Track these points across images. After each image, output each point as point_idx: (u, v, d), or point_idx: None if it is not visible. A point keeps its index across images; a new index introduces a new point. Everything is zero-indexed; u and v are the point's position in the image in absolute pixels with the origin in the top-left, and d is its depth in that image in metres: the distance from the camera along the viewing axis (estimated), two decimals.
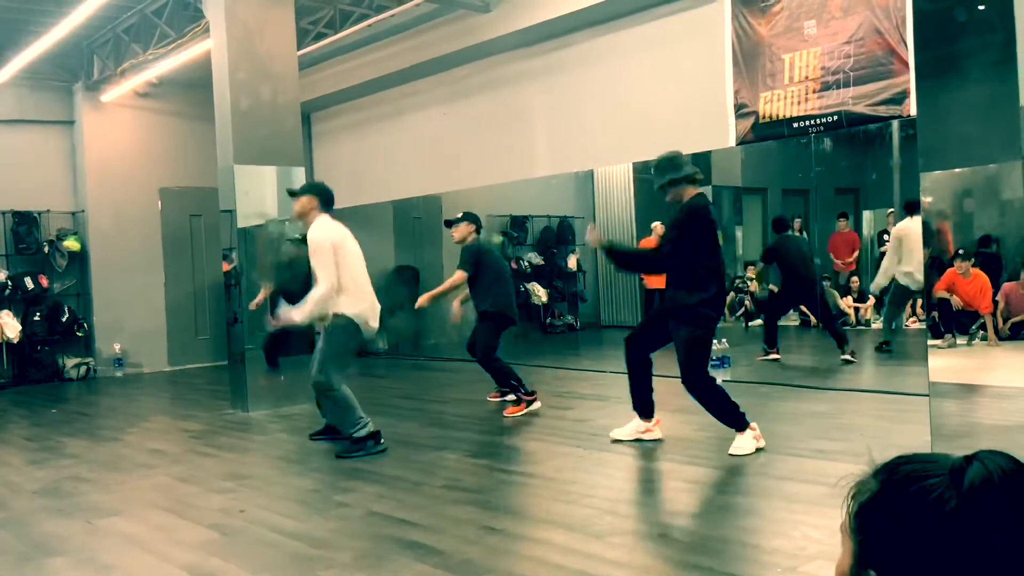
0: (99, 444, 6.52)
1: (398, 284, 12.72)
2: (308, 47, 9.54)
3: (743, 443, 5.02)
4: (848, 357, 8.37)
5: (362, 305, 5.67)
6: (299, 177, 7.86)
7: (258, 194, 7.62)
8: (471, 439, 6.01)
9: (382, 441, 5.61)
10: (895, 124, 8.30)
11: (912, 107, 5.90)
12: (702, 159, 11.65)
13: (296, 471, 5.51)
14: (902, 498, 0.93)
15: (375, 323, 5.79)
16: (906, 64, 5.94)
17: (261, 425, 6.90)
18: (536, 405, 6.83)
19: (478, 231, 7.05)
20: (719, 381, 7.56)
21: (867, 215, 14.49)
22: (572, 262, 13.82)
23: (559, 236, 13.96)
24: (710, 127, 7.42)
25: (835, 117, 6.48)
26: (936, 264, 5.05)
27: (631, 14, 8.07)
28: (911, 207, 8.24)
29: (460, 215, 7.08)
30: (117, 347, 11.02)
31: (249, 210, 7.55)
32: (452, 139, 10.26)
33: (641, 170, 13.17)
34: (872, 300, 11.60)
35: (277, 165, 7.70)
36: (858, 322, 11.63)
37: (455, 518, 4.08)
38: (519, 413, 6.73)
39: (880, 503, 0.95)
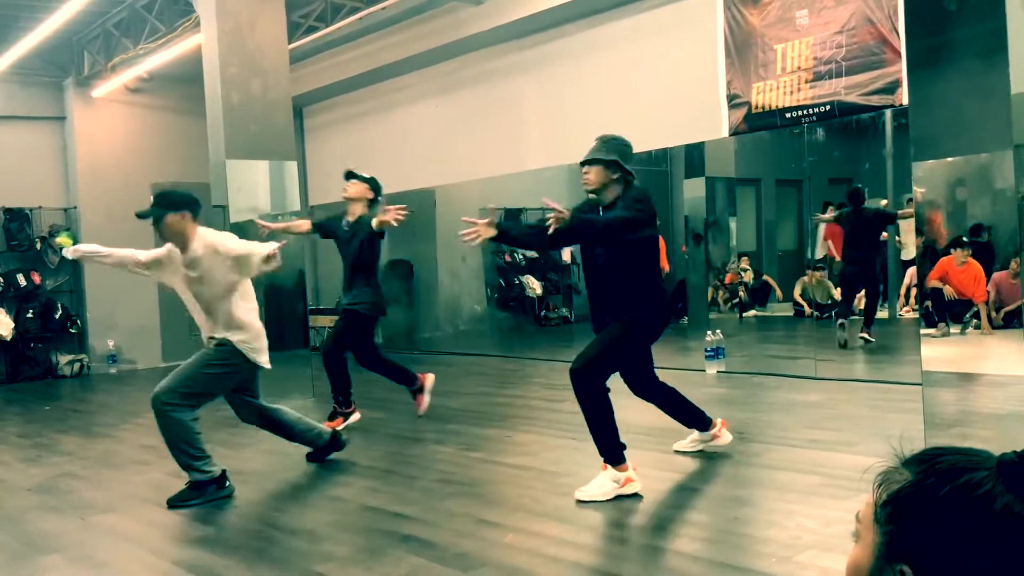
0: (93, 441, 6.50)
1: (392, 278, 12.71)
2: (299, 41, 9.51)
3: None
4: (867, 336, 8.82)
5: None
6: (291, 172, 7.84)
7: (250, 189, 7.59)
8: (465, 432, 6.01)
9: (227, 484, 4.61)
10: (888, 113, 8.28)
11: (905, 96, 5.90)
12: (695, 150, 11.65)
13: (290, 466, 5.50)
14: (945, 492, 0.89)
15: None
16: (898, 53, 5.94)
17: None
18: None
19: (372, 204, 6.37)
20: (713, 372, 7.60)
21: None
22: (566, 254, 13.79)
23: None
24: (703, 118, 7.42)
25: (828, 107, 6.48)
26: (929, 253, 5.06)
27: (623, 5, 8.06)
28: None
29: (367, 175, 6.48)
30: (111, 344, 10.99)
31: (242, 205, 7.52)
32: (444, 132, 10.23)
33: (636, 161, 13.14)
34: (864, 291, 11.59)
35: (269, 160, 7.67)
36: (852, 312, 11.62)
37: (449, 511, 4.08)
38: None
39: (920, 494, 0.91)
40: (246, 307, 4.61)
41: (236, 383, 4.68)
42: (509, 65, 9.23)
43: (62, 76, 10.87)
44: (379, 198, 6.40)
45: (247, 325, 4.58)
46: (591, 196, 4.32)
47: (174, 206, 4.51)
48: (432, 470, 4.93)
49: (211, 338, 4.60)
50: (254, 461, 5.58)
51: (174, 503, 4.40)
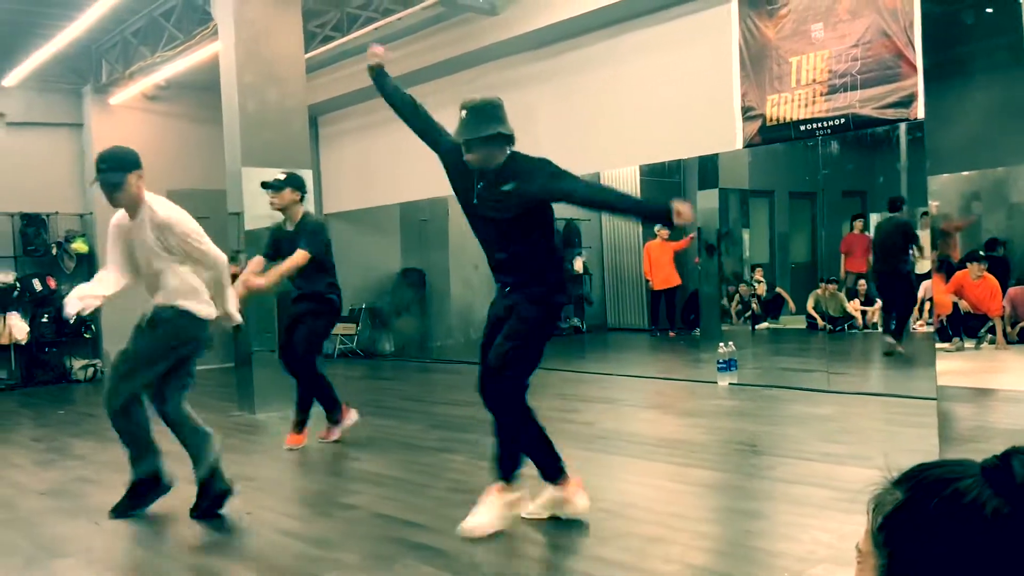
0: (106, 446, 6.52)
1: (404, 287, 12.74)
2: (315, 50, 9.56)
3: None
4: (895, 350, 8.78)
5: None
6: (306, 180, 7.86)
7: (266, 196, 7.62)
8: (477, 441, 5.99)
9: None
10: (903, 127, 8.28)
11: (920, 110, 5.89)
12: (709, 162, 11.65)
13: (302, 473, 5.52)
14: (935, 504, 0.89)
15: None
16: (914, 67, 5.93)
17: (267, 427, 6.90)
18: (352, 419, 6.06)
19: (303, 200, 6.01)
20: (725, 384, 7.59)
21: (874, 218, 14.47)
22: (578, 264, 13.81)
23: (565, 238, 13.94)
24: (717, 130, 7.41)
25: (842, 120, 6.47)
26: (944, 267, 5.04)
27: (638, 17, 8.07)
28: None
29: (283, 177, 5.98)
30: None
31: (257, 212, 7.54)
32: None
33: (648, 172, 13.16)
34: (879, 304, 11.57)
35: (284, 168, 7.69)
36: (865, 325, 11.59)
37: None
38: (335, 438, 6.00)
39: (909, 512, 0.91)
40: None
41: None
42: (524, 76, 9.25)
43: (80, 83, 10.96)
44: (304, 191, 6.03)
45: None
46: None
47: (132, 165, 4.12)
48: (443, 479, 4.93)
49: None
50: (265, 467, 5.59)
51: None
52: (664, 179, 13.59)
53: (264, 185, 6.06)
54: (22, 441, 7.02)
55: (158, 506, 4.60)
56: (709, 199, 12.05)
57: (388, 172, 11.23)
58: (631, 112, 8.30)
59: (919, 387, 6.56)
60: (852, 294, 11.98)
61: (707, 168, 11.87)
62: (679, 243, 12.35)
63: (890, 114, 6.21)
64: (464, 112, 3.81)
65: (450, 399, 8.22)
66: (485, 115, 3.79)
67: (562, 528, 3.85)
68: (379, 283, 12.61)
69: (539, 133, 9.27)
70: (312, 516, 4.39)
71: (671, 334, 12.54)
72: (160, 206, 4.22)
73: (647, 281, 12.78)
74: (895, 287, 9.18)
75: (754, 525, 3.92)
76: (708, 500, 4.46)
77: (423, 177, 10.62)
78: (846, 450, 5.04)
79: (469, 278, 12.24)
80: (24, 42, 9.52)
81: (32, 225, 10.64)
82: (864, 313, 11.57)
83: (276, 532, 4.08)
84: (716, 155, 9.83)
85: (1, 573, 3.66)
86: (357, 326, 12.17)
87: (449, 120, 4.00)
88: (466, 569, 3.38)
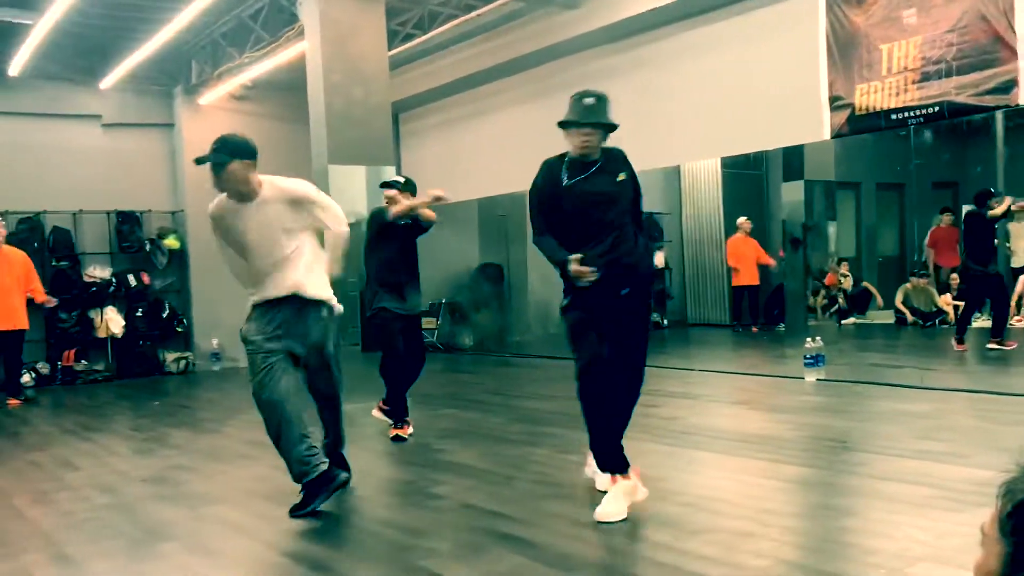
0: (201, 435, 6.76)
1: (483, 281, 12.83)
2: (397, 48, 9.69)
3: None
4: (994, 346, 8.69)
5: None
6: (390, 176, 7.99)
7: (351, 193, 7.77)
8: (559, 434, 6.01)
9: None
10: (999, 115, 7.98)
11: (1022, 96, 5.68)
12: (794, 153, 11.42)
13: (390, 463, 5.62)
14: None
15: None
16: (1014, 52, 5.72)
17: (353, 418, 7.00)
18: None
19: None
20: (812, 380, 7.43)
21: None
22: (659, 259, 13.68)
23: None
24: (804, 120, 7.27)
25: (936, 108, 6.28)
26: None
27: (721, 7, 7.96)
28: None
29: (403, 180, 6.44)
30: (215, 342, 11.39)
31: (343, 209, 7.67)
32: (539, 136, 10.26)
33: (729, 164, 12.97)
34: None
35: (368, 165, 7.84)
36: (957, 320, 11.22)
37: (548, 512, 4.10)
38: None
39: None
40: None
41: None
42: (604, 68, 9.21)
43: (171, 84, 11.33)
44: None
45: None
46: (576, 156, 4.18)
47: (240, 153, 4.18)
48: (528, 471, 4.96)
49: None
50: (353, 457, 5.69)
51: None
52: (746, 171, 13.37)
53: (385, 184, 6.34)
54: (121, 431, 7.31)
55: (253, 495, 4.74)
56: (794, 191, 11.82)
57: (467, 168, 11.31)
58: (713, 104, 8.19)
59: (1018, 384, 6.33)
60: (944, 288, 11.62)
61: (792, 159, 11.64)
62: (768, 260, 12.14)
63: (988, 101, 6.00)
64: (589, 98, 4.10)
65: (531, 393, 8.26)
66: (606, 106, 4.18)
67: (648, 521, 3.84)
68: (458, 278, 12.73)
69: (619, 125, 9.21)
70: (402, 505, 4.46)
71: (754, 329, 12.34)
72: (284, 182, 4.33)
73: (731, 274, 12.59)
74: (984, 287, 8.84)
75: (847, 522, 3.84)
76: (798, 496, 4.39)
77: (501, 173, 10.70)
78: (943, 448, 4.90)
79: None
80: (119, 46, 9.88)
81: (127, 222, 11.06)
82: (956, 308, 11.20)
83: (368, 520, 4.17)
84: (801, 146, 9.64)
85: (109, 553, 3.82)
86: (437, 320, 12.30)
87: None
88: (556, 560, 3.40)
